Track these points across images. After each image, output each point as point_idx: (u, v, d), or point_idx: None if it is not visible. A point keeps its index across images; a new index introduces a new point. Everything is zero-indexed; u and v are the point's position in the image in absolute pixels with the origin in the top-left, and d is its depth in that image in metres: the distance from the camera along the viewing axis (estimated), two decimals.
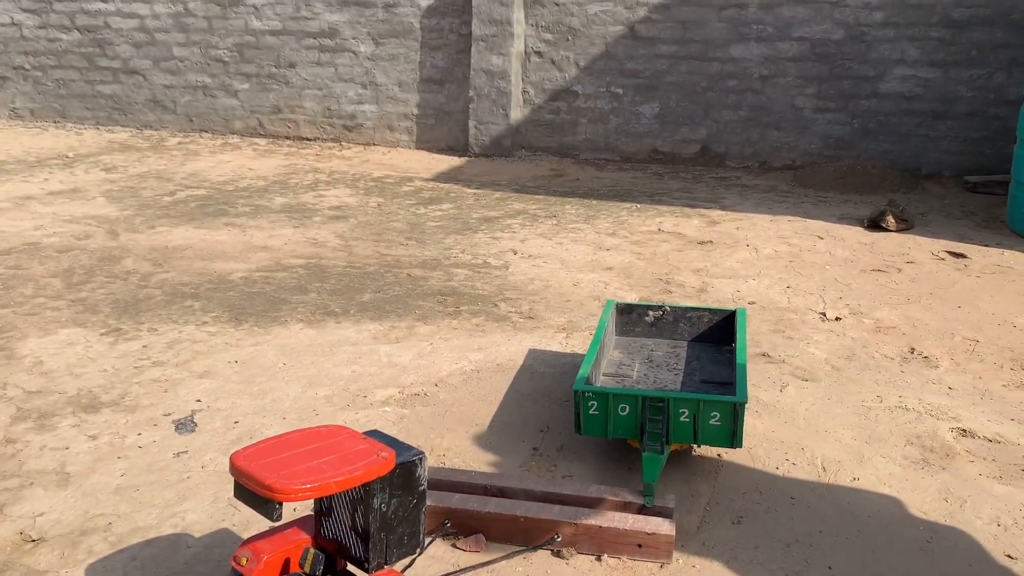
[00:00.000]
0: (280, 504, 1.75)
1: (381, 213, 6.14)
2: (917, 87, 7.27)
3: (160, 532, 2.49)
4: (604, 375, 3.18)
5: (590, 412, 2.74)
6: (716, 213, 6.19)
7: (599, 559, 2.41)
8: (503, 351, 3.78)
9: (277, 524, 1.92)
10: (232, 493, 1.85)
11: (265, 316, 4.14)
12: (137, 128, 9.27)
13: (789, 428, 3.11)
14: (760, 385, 3.43)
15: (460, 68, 8.21)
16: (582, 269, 4.93)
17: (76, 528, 2.50)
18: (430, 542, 2.42)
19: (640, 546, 2.39)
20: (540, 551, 2.44)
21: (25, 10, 9.34)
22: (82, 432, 3.03)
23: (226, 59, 8.86)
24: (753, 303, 4.40)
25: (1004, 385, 3.53)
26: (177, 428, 3.06)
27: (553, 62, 8.03)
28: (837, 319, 4.20)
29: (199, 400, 3.27)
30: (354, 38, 8.47)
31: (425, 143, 8.51)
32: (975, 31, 7.06)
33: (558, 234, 5.64)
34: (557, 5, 7.91)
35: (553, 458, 2.93)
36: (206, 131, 9.09)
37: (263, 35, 8.71)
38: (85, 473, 2.78)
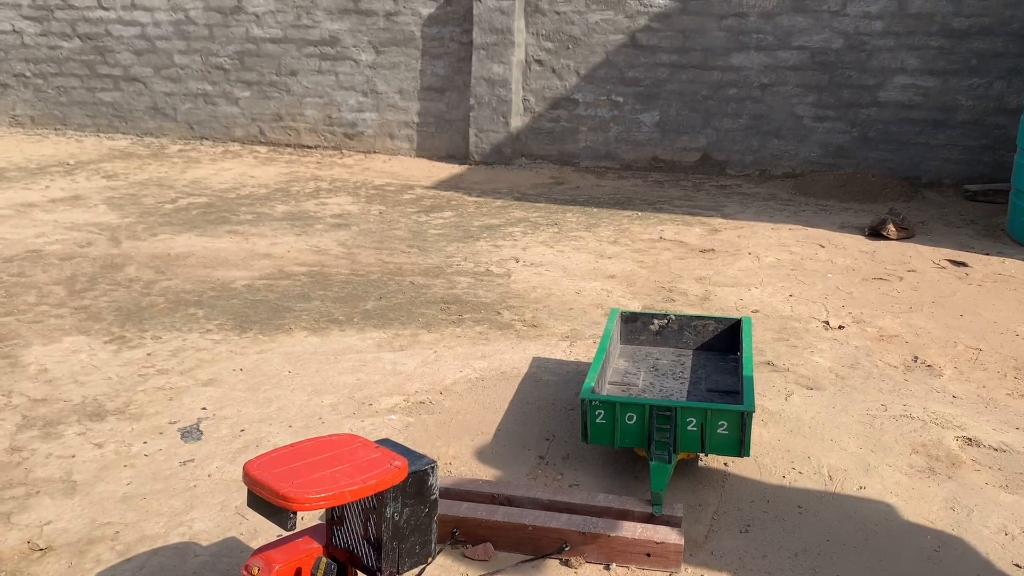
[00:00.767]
0: (295, 513, 1.75)
1: (383, 221, 6.15)
2: (917, 96, 7.30)
3: (168, 541, 2.49)
4: (610, 384, 3.18)
5: (597, 421, 2.73)
6: (717, 221, 6.20)
7: (607, 568, 2.41)
8: (507, 359, 3.78)
9: (288, 533, 1.91)
10: (244, 502, 1.86)
11: (269, 324, 4.14)
12: (138, 135, 9.28)
13: (795, 437, 3.12)
14: (765, 394, 3.43)
15: (461, 76, 8.23)
16: (584, 277, 4.94)
17: (83, 537, 2.49)
18: (439, 551, 2.42)
19: (649, 555, 2.39)
20: (548, 560, 2.43)
21: (26, 17, 9.35)
22: (88, 440, 3.02)
23: (227, 67, 8.87)
24: (756, 311, 4.41)
25: (1008, 394, 3.54)
26: (183, 436, 3.05)
27: (554, 70, 8.06)
28: (840, 327, 4.21)
29: (204, 408, 3.27)
30: (355, 46, 8.49)
31: (426, 151, 8.52)
32: (974, 40, 7.10)
33: (560, 242, 5.65)
34: (558, 14, 7.94)
35: (559, 467, 2.93)
36: (207, 139, 9.10)
37: (264, 43, 8.73)
38: (92, 481, 2.77)
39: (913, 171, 7.40)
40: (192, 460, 2.90)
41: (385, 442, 2.04)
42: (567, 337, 4.05)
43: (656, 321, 3.51)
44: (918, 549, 2.51)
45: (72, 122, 9.46)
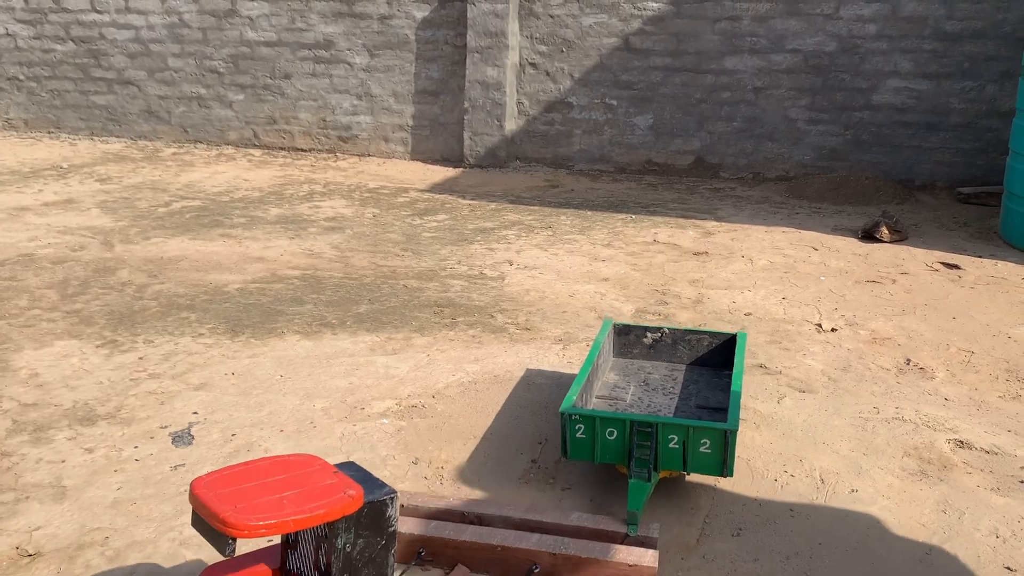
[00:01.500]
0: (234, 540, 1.66)
1: (377, 224, 6.14)
2: (910, 99, 7.32)
3: (158, 547, 2.48)
4: (597, 397, 3.11)
5: (577, 436, 2.66)
6: (711, 224, 6.21)
7: None
8: (500, 363, 3.78)
9: (240, 554, 1.84)
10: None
11: (261, 328, 4.13)
12: (131, 139, 9.26)
13: (787, 440, 3.12)
14: (758, 397, 3.43)
15: (455, 79, 8.23)
16: (578, 280, 4.94)
17: (73, 542, 2.48)
18: (402, 573, 2.35)
19: None
20: None
21: (20, 21, 9.33)
22: (78, 445, 3.01)
23: (221, 70, 8.86)
24: (749, 314, 4.41)
25: (1000, 396, 3.54)
26: (174, 441, 3.04)
27: (548, 74, 8.06)
28: (833, 330, 4.21)
29: (196, 413, 3.26)
30: (349, 49, 8.48)
31: (420, 154, 8.52)
32: (967, 44, 7.12)
33: (553, 245, 5.65)
34: (552, 17, 7.94)
35: (551, 470, 2.92)
36: (201, 142, 9.09)
37: (258, 46, 8.72)
38: (81, 487, 2.76)
39: (906, 174, 7.42)
40: (183, 464, 2.89)
41: (347, 465, 1.96)
42: (560, 340, 4.05)
43: (649, 334, 3.42)
44: (910, 552, 2.51)
45: (66, 125, 9.43)
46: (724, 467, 2.58)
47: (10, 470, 2.85)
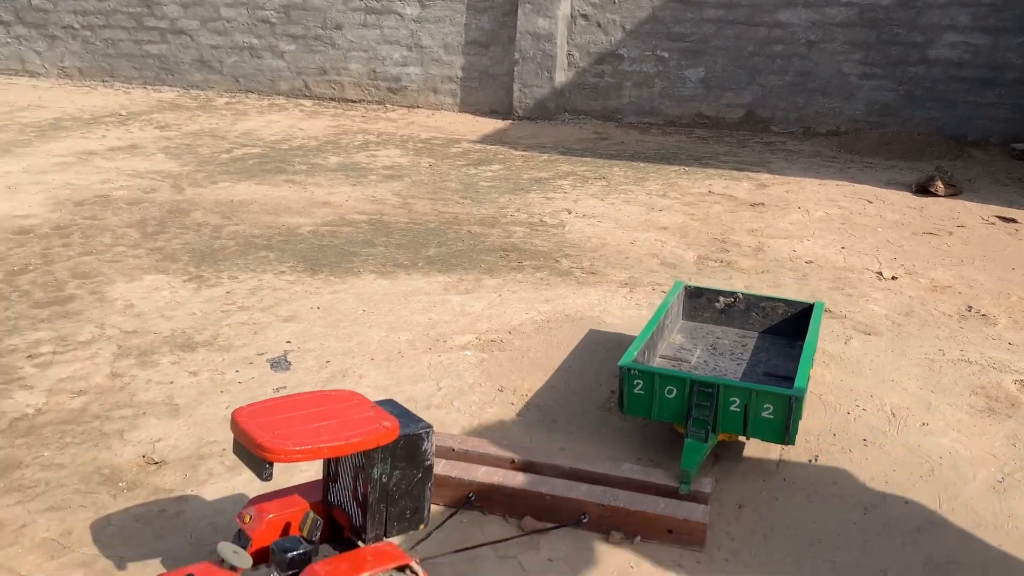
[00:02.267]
0: (271, 464, 1.71)
1: (434, 173, 6.26)
2: (966, 54, 7.26)
3: None
4: (661, 357, 3.08)
5: (635, 391, 2.62)
6: (764, 176, 6.26)
7: (632, 541, 2.33)
8: (570, 303, 3.91)
9: (287, 486, 1.92)
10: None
11: (338, 267, 4.29)
12: (184, 88, 9.41)
13: (856, 377, 3.23)
14: (825, 338, 3.54)
15: (505, 31, 8.26)
16: (637, 228, 5.04)
17: (193, 453, 2.67)
18: (451, 515, 2.37)
19: (671, 531, 2.30)
20: (565, 529, 2.35)
21: None
22: (183, 369, 3.20)
23: (273, 20, 8.95)
24: (810, 262, 4.50)
25: None
26: (272, 366, 3.22)
27: (599, 25, 8.07)
28: (893, 278, 4.30)
29: (289, 342, 3.43)
30: (400, 0, 8.53)
31: (469, 106, 8.59)
32: None
33: (609, 195, 5.74)
34: None
35: None
36: (252, 92, 9.21)
37: None
38: (192, 405, 2.94)
39: (959, 129, 7.39)
40: (284, 388, 3.06)
41: (387, 403, 1.98)
42: (626, 284, 4.16)
43: (722, 299, 3.33)
44: (983, 479, 2.63)
45: (119, 74, 9.59)
46: (786, 434, 2.50)
47: (124, 389, 3.04)
